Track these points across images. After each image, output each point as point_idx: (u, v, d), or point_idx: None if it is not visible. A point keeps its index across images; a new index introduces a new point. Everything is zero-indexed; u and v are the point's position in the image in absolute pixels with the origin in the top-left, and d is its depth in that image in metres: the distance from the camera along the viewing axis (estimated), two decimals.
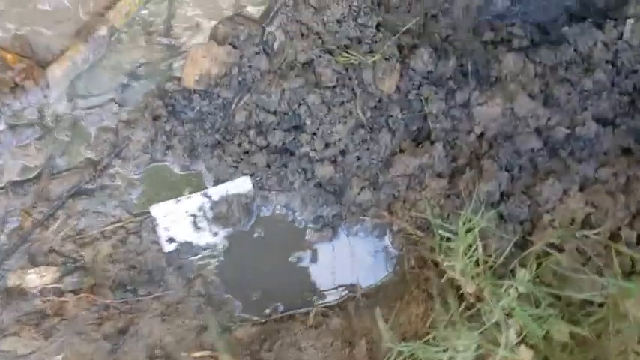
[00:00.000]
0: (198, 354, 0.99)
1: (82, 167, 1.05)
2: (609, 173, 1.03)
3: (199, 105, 1.05)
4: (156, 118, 1.04)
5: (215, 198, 1.05)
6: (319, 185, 1.06)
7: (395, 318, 1.00)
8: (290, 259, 1.08)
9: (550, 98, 1.05)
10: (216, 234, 1.06)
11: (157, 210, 1.04)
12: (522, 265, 0.97)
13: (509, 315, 0.93)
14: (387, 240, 1.09)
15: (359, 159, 1.05)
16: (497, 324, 0.92)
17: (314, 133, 1.03)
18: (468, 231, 0.90)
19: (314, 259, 1.09)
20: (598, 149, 1.05)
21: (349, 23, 1.03)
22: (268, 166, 1.05)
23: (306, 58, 1.04)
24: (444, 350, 0.89)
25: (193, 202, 1.05)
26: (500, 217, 1.01)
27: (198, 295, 1.04)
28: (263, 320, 1.05)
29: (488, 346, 0.91)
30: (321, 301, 1.07)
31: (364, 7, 1.02)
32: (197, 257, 1.06)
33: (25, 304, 0.99)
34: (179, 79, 1.07)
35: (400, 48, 1.04)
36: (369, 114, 1.03)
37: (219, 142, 1.06)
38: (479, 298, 0.93)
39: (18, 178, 1.04)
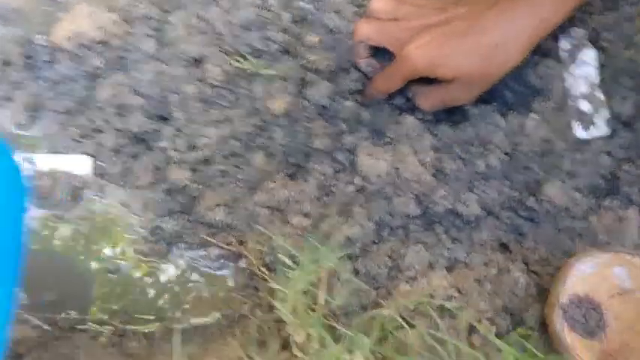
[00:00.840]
0: None
1: None
2: (481, 261, 0.94)
3: (63, 66, 0.92)
4: (6, 64, 0.90)
5: (41, 167, 0.88)
6: (169, 191, 0.92)
7: (203, 358, 0.82)
8: (106, 266, 0.90)
9: (440, 173, 0.98)
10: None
11: None
12: (365, 332, 0.84)
13: None
14: (228, 276, 0.93)
15: (223, 174, 0.92)
16: None
17: (180, 130, 0.91)
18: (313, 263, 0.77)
19: (133, 273, 0.91)
20: (475, 237, 0.97)
21: (255, 33, 0.95)
22: (116, 151, 0.91)
23: (198, 53, 0.94)
24: None
25: None
26: (357, 273, 0.89)
27: None
28: (48, 327, 0.84)
29: None
30: (126, 326, 0.87)
31: (277, 22, 0.95)
32: None
33: None
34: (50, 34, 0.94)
35: (302, 75, 0.96)
36: (248, 129, 0.92)
37: (69, 111, 0.91)
38: (304, 352, 0.78)
39: None
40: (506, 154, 1.00)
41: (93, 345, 0.82)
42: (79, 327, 0.86)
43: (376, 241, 0.93)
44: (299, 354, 0.78)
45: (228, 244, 0.93)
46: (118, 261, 0.91)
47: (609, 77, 1.01)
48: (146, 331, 0.88)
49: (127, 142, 0.90)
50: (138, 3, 0.97)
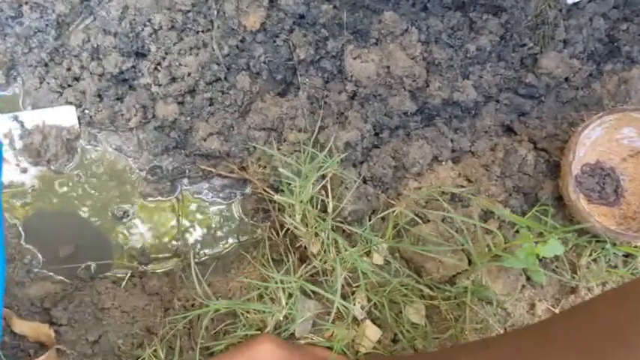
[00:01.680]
0: None
1: None
2: (487, 147, 0.92)
3: (29, 19, 0.89)
4: None
5: (28, 124, 0.87)
6: (160, 128, 0.90)
7: (226, 282, 0.82)
8: (114, 212, 0.90)
9: (431, 65, 0.95)
10: (24, 170, 0.87)
11: None
12: (380, 233, 0.83)
13: (354, 285, 0.78)
14: (237, 204, 0.93)
15: (211, 102, 0.90)
16: (342, 297, 0.76)
17: (159, 63, 0.88)
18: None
19: (144, 216, 0.90)
20: (478, 124, 0.95)
21: None
22: (100, 96, 0.89)
23: None
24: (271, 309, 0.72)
25: None
26: (364, 181, 0.87)
27: None
28: (68, 280, 0.85)
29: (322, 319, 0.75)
30: (144, 267, 0.88)
31: None
32: None
33: None
34: None
35: None
36: (226, 50, 0.89)
37: (45, 63, 0.88)
38: (322, 261, 0.78)
39: None
40: (496, 33, 0.96)
41: (115, 289, 0.83)
42: (100, 276, 0.87)
43: (377, 144, 0.91)
44: (317, 263, 0.78)
45: (230, 172, 0.91)
46: (125, 206, 0.90)
47: None
48: (166, 269, 0.89)
49: (108, 85, 0.88)
50: None
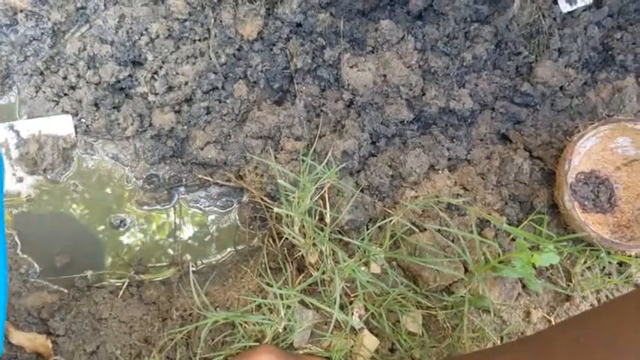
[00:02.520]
0: None
1: None
2: (483, 155, 0.93)
3: (25, 27, 0.88)
4: None
5: (24, 134, 0.87)
6: (157, 137, 0.90)
7: (223, 292, 0.82)
8: (111, 221, 0.90)
9: (427, 73, 0.95)
10: (20, 179, 0.87)
11: None
12: (377, 242, 0.83)
13: (352, 295, 0.78)
14: (234, 212, 0.93)
15: (208, 111, 0.90)
16: (340, 307, 0.77)
17: (155, 72, 0.88)
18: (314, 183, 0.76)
19: (140, 225, 0.90)
20: (474, 132, 0.95)
21: None
22: (96, 105, 0.88)
23: None
24: (269, 321, 0.72)
25: None
26: (360, 188, 0.88)
27: None
28: (65, 289, 0.85)
29: (321, 329, 0.76)
30: (141, 276, 0.88)
31: None
32: None
33: None
34: None
35: None
36: (223, 59, 0.89)
37: (40, 72, 0.88)
38: (320, 271, 0.78)
39: None
40: (492, 41, 0.96)
41: (113, 299, 0.83)
42: (97, 285, 0.87)
43: (374, 152, 0.91)
44: (315, 273, 0.78)
45: (227, 181, 0.92)
46: (122, 215, 0.90)
47: None
48: (162, 278, 0.89)
49: (104, 94, 0.87)
50: None
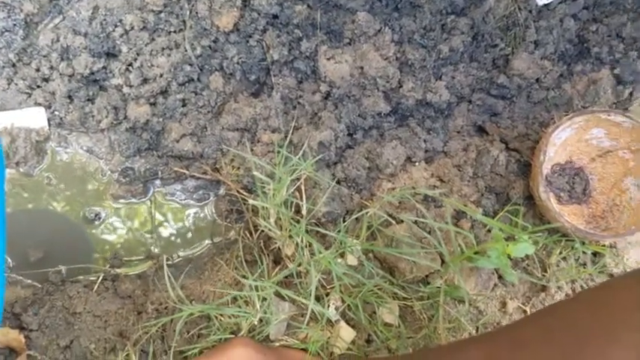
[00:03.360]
0: None
1: None
2: (459, 147, 0.93)
3: None
4: None
5: None
6: (132, 129, 0.89)
7: (199, 285, 0.82)
8: (86, 215, 0.89)
9: (404, 65, 0.95)
10: None
11: None
12: (354, 234, 0.83)
13: (329, 287, 0.78)
14: (210, 205, 0.92)
15: (184, 103, 0.89)
16: (317, 299, 0.77)
17: (130, 64, 0.87)
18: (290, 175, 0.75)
19: (115, 218, 0.89)
20: (450, 124, 0.95)
21: None
22: (70, 97, 0.87)
23: None
24: (245, 313, 0.72)
25: None
26: (337, 180, 0.87)
27: None
28: (39, 284, 0.84)
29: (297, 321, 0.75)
30: (117, 270, 0.87)
31: None
32: None
33: None
34: None
35: None
36: (199, 50, 0.88)
37: (13, 64, 0.87)
38: (297, 263, 0.78)
39: None
40: (468, 34, 0.97)
41: (87, 293, 0.82)
42: (71, 279, 0.86)
43: (351, 144, 0.91)
44: (291, 265, 0.78)
45: (203, 174, 0.91)
46: (97, 208, 0.89)
47: None
48: (138, 272, 0.88)
49: (78, 86, 0.86)
50: None
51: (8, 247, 0.84)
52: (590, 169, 0.93)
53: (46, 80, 0.87)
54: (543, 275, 0.85)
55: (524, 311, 0.84)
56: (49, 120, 0.87)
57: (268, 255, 0.83)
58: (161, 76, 0.86)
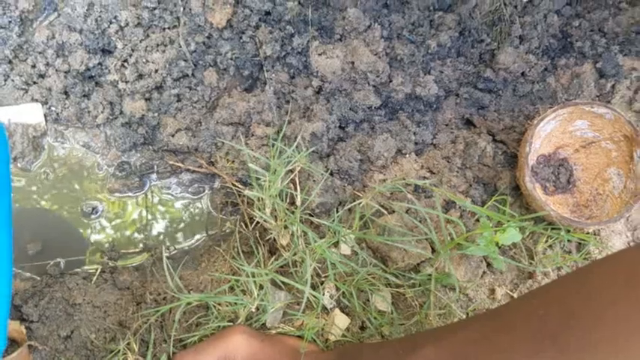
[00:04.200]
0: None
1: None
2: (448, 139, 0.96)
3: None
4: None
5: None
6: (128, 125, 0.90)
7: (197, 275, 0.84)
8: (83, 209, 0.90)
9: (394, 60, 0.98)
10: None
11: None
12: (347, 224, 0.86)
13: (323, 275, 0.80)
14: (206, 198, 0.94)
15: (178, 98, 0.91)
16: (312, 287, 0.79)
17: (125, 60, 0.88)
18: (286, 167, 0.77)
19: (113, 212, 0.91)
20: (439, 117, 0.98)
21: None
22: (66, 93, 0.89)
23: None
24: (242, 301, 0.74)
25: None
26: (330, 172, 0.90)
27: None
28: (38, 277, 0.85)
29: (293, 309, 0.78)
30: (114, 262, 0.88)
31: None
32: None
33: None
34: None
35: None
36: (193, 46, 0.90)
37: (9, 60, 0.88)
38: (292, 252, 0.80)
39: None
40: (456, 29, 0.99)
41: (86, 285, 0.84)
42: (69, 272, 0.87)
43: (343, 137, 0.93)
44: (286, 254, 0.80)
45: (198, 167, 0.93)
46: (94, 202, 0.91)
47: None
48: (136, 264, 0.90)
49: (74, 81, 0.88)
50: None
51: None
52: (574, 159, 0.96)
53: (42, 76, 0.88)
54: (530, 263, 0.88)
55: (512, 297, 0.87)
56: (45, 116, 0.88)
57: (264, 245, 0.85)
58: (156, 71, 0.88)
